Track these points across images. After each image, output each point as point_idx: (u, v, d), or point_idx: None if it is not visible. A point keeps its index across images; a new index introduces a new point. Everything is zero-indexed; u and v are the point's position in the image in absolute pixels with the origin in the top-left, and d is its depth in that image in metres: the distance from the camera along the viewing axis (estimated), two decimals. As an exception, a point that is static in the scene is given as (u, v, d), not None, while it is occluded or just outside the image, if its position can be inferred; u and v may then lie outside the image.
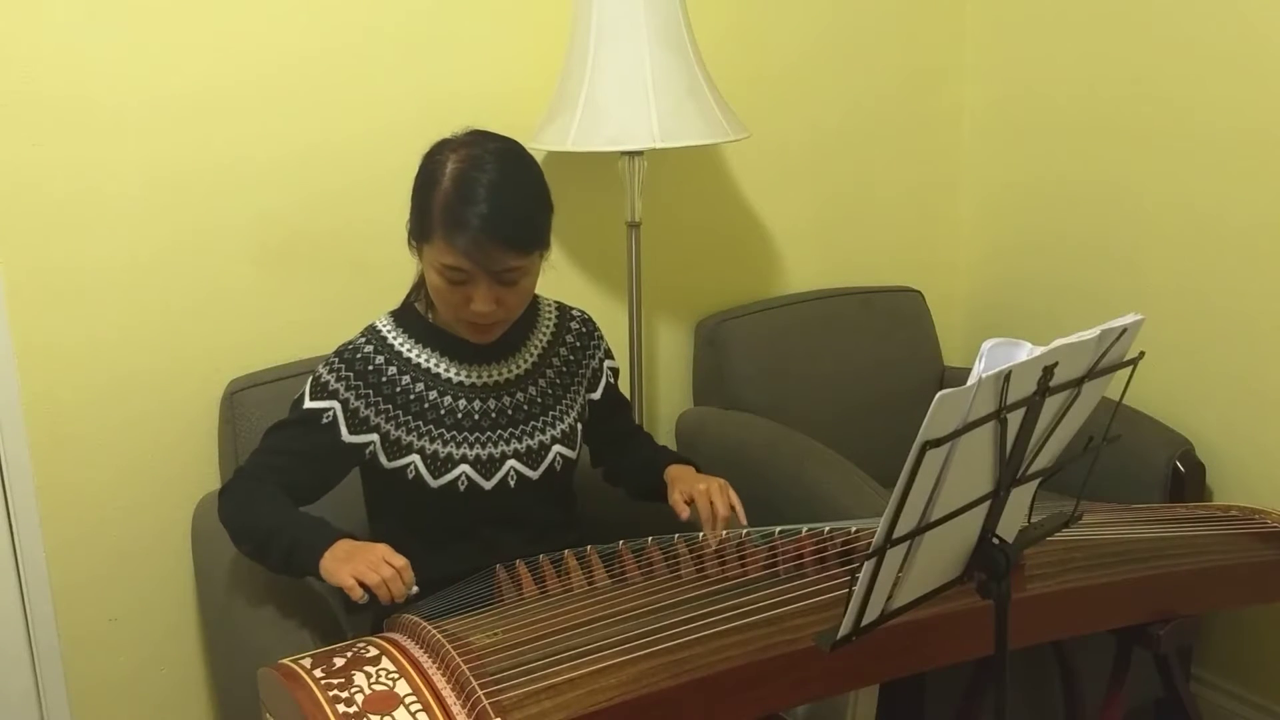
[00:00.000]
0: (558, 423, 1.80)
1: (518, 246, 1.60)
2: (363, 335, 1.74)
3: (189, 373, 2.12)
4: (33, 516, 2.04)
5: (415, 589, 1.52)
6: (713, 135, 2.19)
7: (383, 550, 1.54)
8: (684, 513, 1.73)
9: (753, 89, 2.55)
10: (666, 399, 2.64)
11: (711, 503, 1.71)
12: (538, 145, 2.21)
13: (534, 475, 1.76)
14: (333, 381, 1.69)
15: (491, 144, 1.63)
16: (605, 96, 2.13)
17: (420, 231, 1.63)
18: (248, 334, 2.16)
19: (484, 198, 1.57)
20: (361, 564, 1.51)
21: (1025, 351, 1.19)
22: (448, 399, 1.72)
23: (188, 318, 2.11)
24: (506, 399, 1.76)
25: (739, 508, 1.72)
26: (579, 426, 1.84)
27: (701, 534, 1.70)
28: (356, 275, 2.23)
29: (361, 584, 1.49)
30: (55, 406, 2.03)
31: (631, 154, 2.23)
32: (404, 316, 1.76)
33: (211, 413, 2.12)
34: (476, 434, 1.73)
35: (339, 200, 2.20)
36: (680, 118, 2.13)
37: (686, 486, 1.76)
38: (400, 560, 1.52)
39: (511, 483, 1.74)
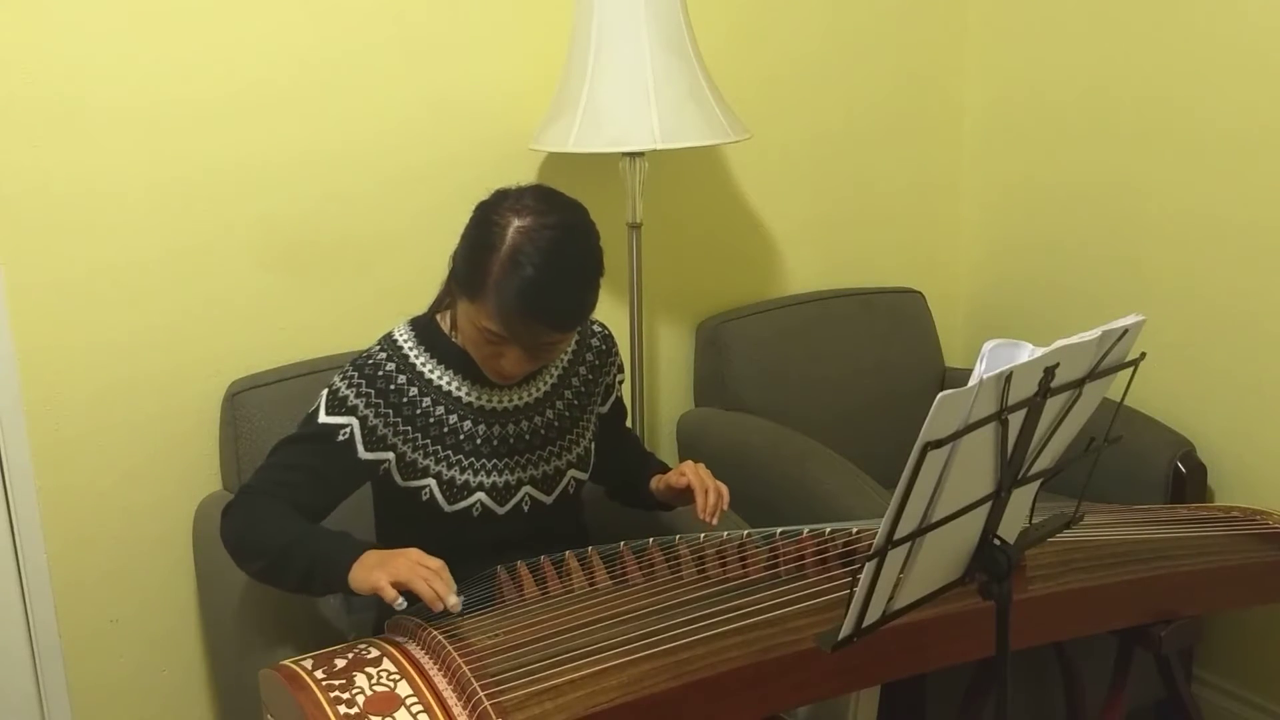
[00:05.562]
0: (574, 446, 1.79)
1: (559, 328, 1.58)
2: (381, 349, 1.70)
3: (190, 374, 2.12)
4: (34, 518, 2.04)
5: (462, 597, 1.48)
6: (714, 136, 2.19)
7: (416, 554, 1.51)
8: (681, 482, 1.74)
9: (754, 90, 2.55)
10: (667, 400, 2.64)
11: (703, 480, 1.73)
12: (539, 147, 2.21)
13: (548, 500, 1.76)
14: (351, 397, 1.65)
15: (553, 216, 1.58)
16: (606, 98, 2.13)
17: (468, 287, 1.58)
18: (249, 336, 2.16)
19: (534, 277, 1.52)
20: (397, 568, 1.48)
21: (1026, 352, 1.19)
22: (466, 423, 1.69)
23: (189, 320, 2.11)
24: (525, 424, 1.74)
25: (725, 495, 1.74)
26: (593, 446, 1.83)
27: (696, 521, 1.71)
28: (358, 278, 2.23)
29: (400, 588, 1.46)
30: (57, 408, 2.03)
31: (632, 155, 2.23)
32: (425, 331, 1.72)
33: (213, 414, 2.12)
34: (494, 460, 1.71)
35: (341, 203, 2.20)
36: (681, 119, 2.14)
37: (678, 469, 1.78)
38: (436, 562, 1.50)
39: (525, 508, 1.74)
